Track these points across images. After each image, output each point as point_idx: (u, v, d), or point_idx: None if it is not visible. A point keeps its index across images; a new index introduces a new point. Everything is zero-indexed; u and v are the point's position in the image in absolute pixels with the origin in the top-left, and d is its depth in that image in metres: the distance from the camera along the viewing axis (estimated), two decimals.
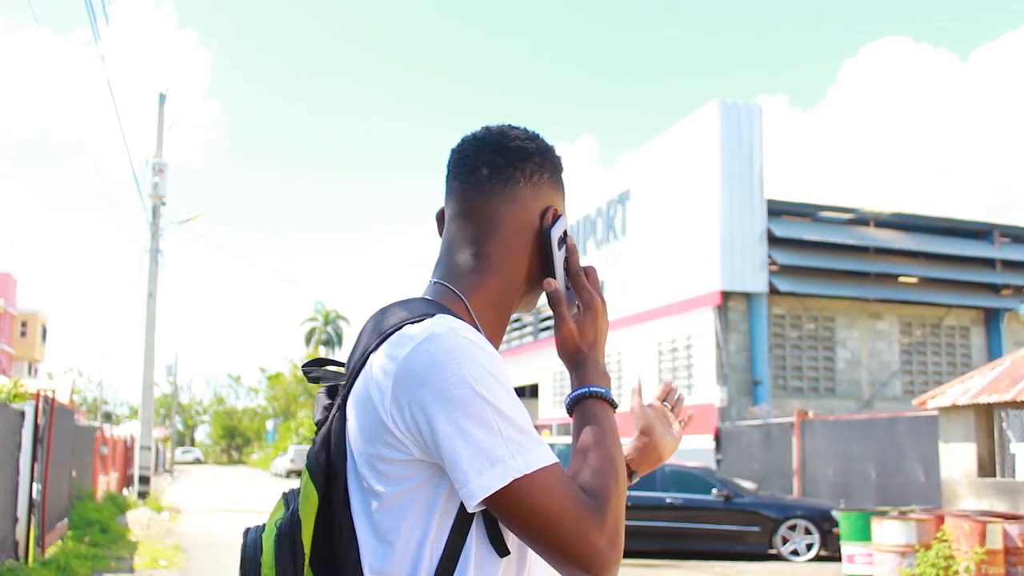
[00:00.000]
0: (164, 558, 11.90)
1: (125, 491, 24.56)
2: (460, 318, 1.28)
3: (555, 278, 1.40)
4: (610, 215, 27.00)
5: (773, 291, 22.32)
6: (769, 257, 22.34)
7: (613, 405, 1.34)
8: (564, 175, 1.49)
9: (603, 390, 1.33)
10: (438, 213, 1.48)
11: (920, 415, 14.64)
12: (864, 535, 10.72)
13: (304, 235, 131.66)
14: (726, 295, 22.04)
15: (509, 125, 1.47)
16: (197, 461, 75.32)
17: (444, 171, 1.47)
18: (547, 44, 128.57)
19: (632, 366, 25.61)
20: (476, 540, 1.22)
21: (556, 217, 1.43)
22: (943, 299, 24.29)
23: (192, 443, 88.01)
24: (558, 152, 1.49)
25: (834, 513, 13.27)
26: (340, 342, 75.97)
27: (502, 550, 1.23)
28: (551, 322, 20.71)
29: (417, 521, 1.22)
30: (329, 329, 75.88)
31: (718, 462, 20.33)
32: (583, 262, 1.45)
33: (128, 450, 28.22)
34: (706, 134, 22.69)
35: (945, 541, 9.61)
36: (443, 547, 1.21)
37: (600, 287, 1.43)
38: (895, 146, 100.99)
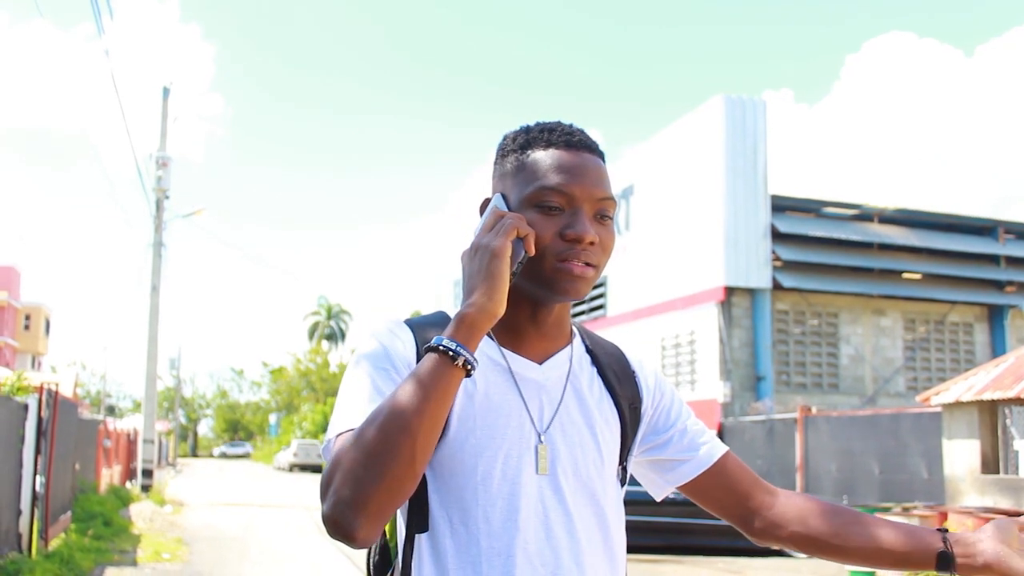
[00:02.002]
0: (167, 551, 11.93)
1: (128, 484, 24.62)
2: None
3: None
4: None
5: (777, 287, 22.29)
6: (773, 253, 22.30)
7: (450, 354, 1.27)
8: (514, 153, 1.48)
9: (439, 341, 1.28)
10: None
11: (923, 411, 14.61)
12: None
13: (307, 229, 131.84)
14: (730, 290, 22.01)
15: None
16: (248, 455, 75.46)
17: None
18: (552, 39, 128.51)
19: None
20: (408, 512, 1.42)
21: (483, 210, 1.50)
22: (947, 295, 24.24)
23: (195, 437, 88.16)
24: (509, 135, 1.52)
25: None
26: (343, 336, 76.01)
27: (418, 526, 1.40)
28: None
29: None
30: (332, 323, 75.95)
31: None
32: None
33: (131, 443, 28.29)
34: (710, 129, 22.65)
35: None
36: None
37: (495, 227, 1.37)
38: (900, 141, 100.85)
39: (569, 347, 1.54)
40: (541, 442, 1.43)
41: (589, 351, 1.57)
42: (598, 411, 1.50)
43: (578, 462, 1.45)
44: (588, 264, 1.41)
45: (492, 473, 1.39)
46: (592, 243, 1.41)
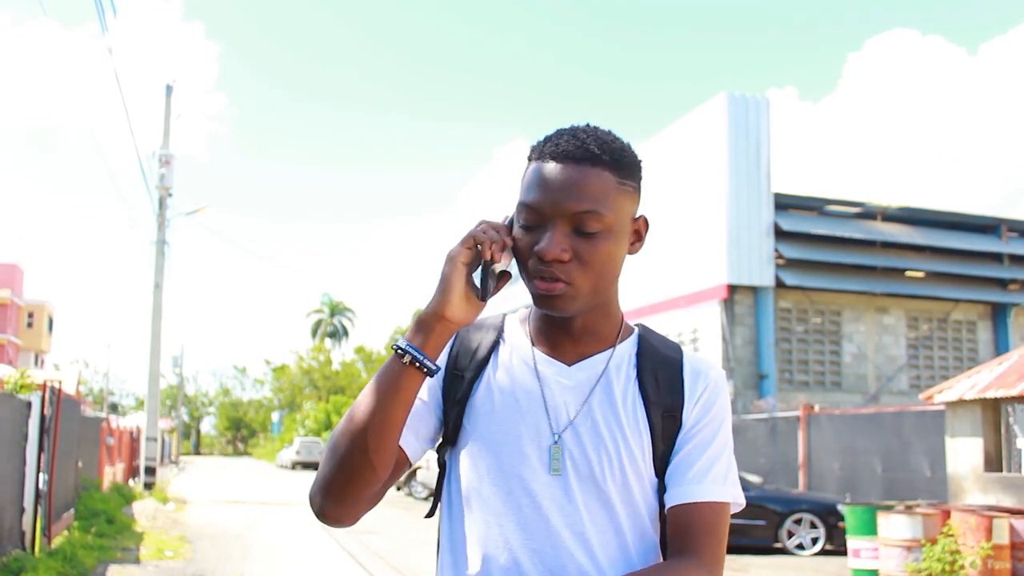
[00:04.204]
0: (170, 549, 11.93)
1: (131, 482, 24.64)
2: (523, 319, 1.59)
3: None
4: None
5: (779, 285, 22.28)
6: (776, 251, 22.30)
7: (398, 352, 1.38)
8: (526, 164, 1.50)
9: (394, 343, 1.40)
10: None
11: (926, 409, 14.61)
12: (870, 529, 10.70)
13: (311, 227, 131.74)
14: (732, 288, 22.01)
15: None
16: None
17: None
18: (557, 38, 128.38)
19: None
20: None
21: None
22: (950, 293, 24.22)
23: (198, 435, 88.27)
24: (532, 144, 1.52)
25: (840, 507, 13.25)
26: (346, 334, 76.06)
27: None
28: None
29: None
30: (335, 321, 76.01)
31: None
32: None
33: (134, 441, 28.30)
34: (713, 127, 22.64)
35: (951, 536, 9.58)
36: None
37: (468, 240, 1.40)
38: (903, 139, 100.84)
39: (610, 350, 1.51)
40: (555, 442, 1.44)
41: (640, 355, 1.52)
42: (627, 417, 1.46)
43: (593, 465, 1.43)
44: (558, 281, 1.39)
45: (503, 468, 1.44)
46: (561, 260, 1.38)
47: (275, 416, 74.50)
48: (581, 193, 1.40)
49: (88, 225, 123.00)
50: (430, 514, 1.51)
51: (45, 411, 10.00)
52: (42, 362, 51.77)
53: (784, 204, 23.00)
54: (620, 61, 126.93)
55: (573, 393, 1.47)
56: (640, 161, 1.51)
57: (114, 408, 66.04)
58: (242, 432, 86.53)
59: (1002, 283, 25.24)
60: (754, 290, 22.26)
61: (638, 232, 1.51)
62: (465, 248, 1.39)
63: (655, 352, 1.53)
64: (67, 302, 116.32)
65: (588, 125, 1.49)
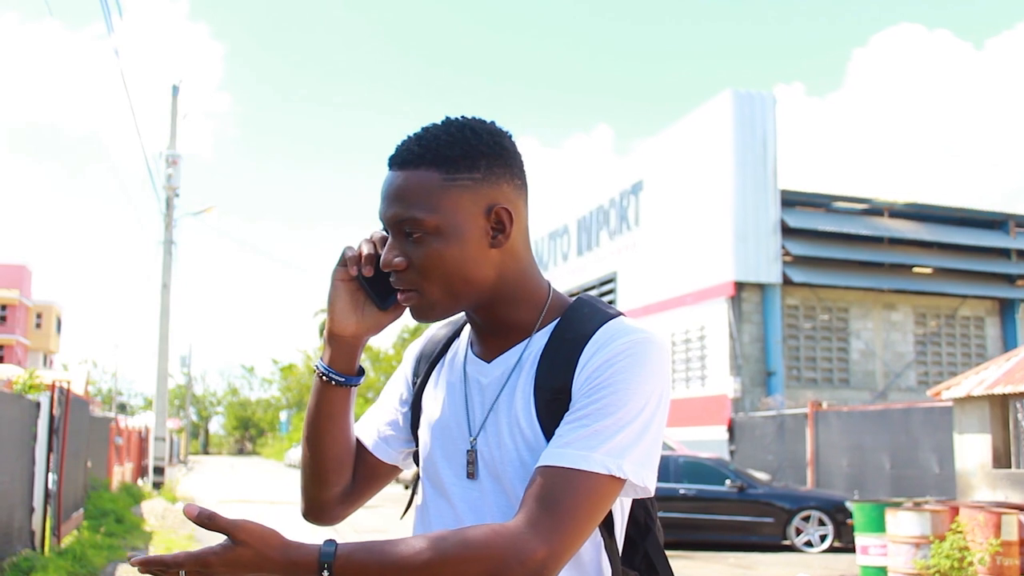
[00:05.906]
0: (179, 548, 11.94)
1: (140, 481, 24.70)
2: None
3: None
4: (623, 205, 26.94)
5: (787, 282, 22.24)
6: (783, 247, 22.26)
7: (317, 372, 1.48)
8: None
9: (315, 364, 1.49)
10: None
11: (934, 406, 14.58)
12: (878, 526, 10.68)
13: (317, 226, 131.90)
14: (739, 286, 21.97)
15: None
16: None
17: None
18: (561, 35, 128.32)
19: None
20: None
21: None
22: (958, 289, 24.16)
23: (207, 435, 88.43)
24: None
25: (848, 504, 13.22)
26: None
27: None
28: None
29: None
30: None
31: (731, 453, 20.29)
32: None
33: (143, 441, 28.38)
34: (720, 124, 22.60)
35: (960, 532, 9.56)
36: None
37: (341, 257, 1.44)
38: (910, 135, 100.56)
39: (526, 341, 1.41)
40: (471, 447, 1.41)
41: (552, 338, 1.40)
42: (523, 409, 1.37)
43: (498, 466, 1.38)
44: (406, 290, 1.37)
45: (437, 472, 1.45)
46: (398, 268, 1.36)
47: (283, 415, 74.59)
48: (396, 200, 1.35)
49: (96, 226, 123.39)
50: (403, 515, 1.61)
51: (54, 411, 10.03)
52: (50, 362, 51.91)
53: (791, 201, 22.96)
54: (625, 59, 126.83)
55: (487, 392, 1.42)
56: (488, 149, 1.35)
57: (122, 408, 66.17)
58: (250, 431, 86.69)
59: (1010, 279, 25.15)
60: (761, 287, 22.23)
61: (500, 224, 1.35)
62: (339, 265, 1.43)
63: (567, 330, 1.39)
64: (75, 303, 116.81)
65: (442, 121, 1.39)
